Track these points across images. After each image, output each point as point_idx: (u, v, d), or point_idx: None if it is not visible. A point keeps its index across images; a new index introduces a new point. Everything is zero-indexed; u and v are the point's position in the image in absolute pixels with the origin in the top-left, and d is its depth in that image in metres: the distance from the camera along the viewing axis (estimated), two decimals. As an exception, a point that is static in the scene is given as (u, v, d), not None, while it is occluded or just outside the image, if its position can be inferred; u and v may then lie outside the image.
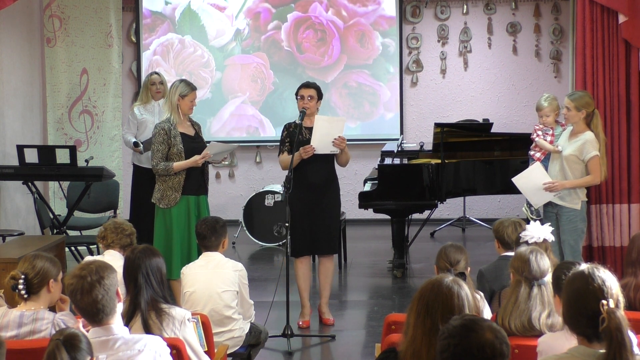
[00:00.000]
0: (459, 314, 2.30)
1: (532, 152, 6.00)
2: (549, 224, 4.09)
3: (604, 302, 2.25)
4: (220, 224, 4.47)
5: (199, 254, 4.59)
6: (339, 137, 5.48)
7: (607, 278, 2.34)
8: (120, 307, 2.89)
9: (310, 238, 5.64)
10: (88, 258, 4.35)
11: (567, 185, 5.58)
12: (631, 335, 2.20)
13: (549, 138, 5.84)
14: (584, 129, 5.55)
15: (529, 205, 5.88)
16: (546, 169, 5.73)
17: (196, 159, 5.53)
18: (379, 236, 8.67)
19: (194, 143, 5.63)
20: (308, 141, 5.52)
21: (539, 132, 5.88)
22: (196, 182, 5.64)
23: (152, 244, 5.25)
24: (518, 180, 5.78)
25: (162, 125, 5.59)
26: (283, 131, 5.73)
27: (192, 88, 5.64)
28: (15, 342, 3.19)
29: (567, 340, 2.55)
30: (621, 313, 2.21)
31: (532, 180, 5.68)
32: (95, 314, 2.79)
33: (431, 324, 2.34)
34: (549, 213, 5.74)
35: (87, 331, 2.79)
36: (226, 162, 7.36)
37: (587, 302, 2.30)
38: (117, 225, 4.38)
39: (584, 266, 2.40)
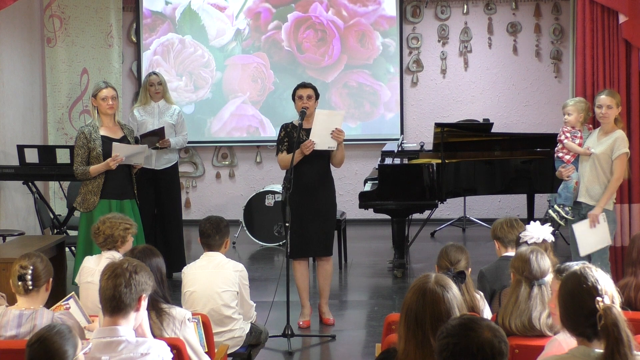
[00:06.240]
0: (447, 318, 2.29)
1: (560, 154, 5.71)
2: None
3: (599, 299, 2.25)
4: (224, 223, 4.46)
5: None
6: (337, 129, 5.46)
7: (600, 276, 2.34)
8: (134, 316, 2.85)
9: (305, 240, 5.61)
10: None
11: (602, 206, 5.39)
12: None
13: (577, 141, 5.64)
14: (614, 127, 5.48)
15: (561, 206, 5.60)
16: (576, 170, 5.61)
17: (108, 162, 5.54)
18: (379, 236, 8.67)
19: None
20: None
21: (567, 135, 5.66)
22: (119, 185, 5.64)
23: (149, 244, 5.21)
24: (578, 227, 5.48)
25: (82, 129, 5.66)
26: (280, 131, 5.72)
27: (102, 87, 5.64)
28: (15, 342, 3.19)
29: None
30: (617, 309, 2.21)
31: (594, 234, 5.41)
32: (109, 300, 2.79)
33: (422, 336, 2.34)
34: (578, 214, 5.58)
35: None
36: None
37: (583, 302, 2.30)
38: (109, 218, 4.31)
39: (575, 267, 2.40)
